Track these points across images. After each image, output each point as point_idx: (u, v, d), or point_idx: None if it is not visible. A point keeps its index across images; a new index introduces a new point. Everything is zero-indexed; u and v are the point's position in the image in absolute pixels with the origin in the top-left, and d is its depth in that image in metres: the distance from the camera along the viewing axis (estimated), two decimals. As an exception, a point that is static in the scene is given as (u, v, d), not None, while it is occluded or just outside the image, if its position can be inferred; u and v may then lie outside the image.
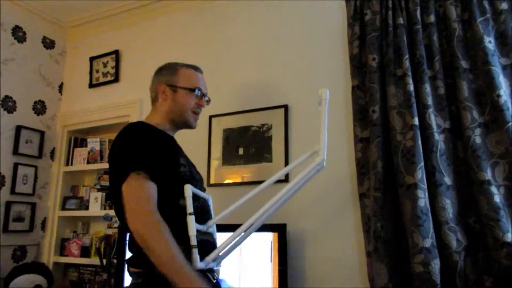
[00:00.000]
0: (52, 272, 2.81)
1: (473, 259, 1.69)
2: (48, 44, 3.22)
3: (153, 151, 1.29)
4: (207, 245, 1.32)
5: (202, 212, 1.37)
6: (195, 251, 1.19)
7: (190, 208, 1.21)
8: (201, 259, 1.21)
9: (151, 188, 1.22)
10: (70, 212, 3.02)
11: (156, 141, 1.34)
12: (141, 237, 1.14)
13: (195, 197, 1.31)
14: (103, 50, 3.13)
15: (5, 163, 2.82)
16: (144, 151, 1.28)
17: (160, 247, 1.12)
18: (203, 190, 1.46)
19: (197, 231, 1.24)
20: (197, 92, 1.50)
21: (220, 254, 1.30)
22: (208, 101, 1.60)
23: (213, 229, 1.41)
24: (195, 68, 1.56)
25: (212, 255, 1.25)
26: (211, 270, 1.32)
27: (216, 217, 1.37)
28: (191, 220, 1.21)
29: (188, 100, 1.48)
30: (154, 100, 1.52)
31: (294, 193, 1.39)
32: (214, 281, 1.32)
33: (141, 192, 1.20)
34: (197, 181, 1.41)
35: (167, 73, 1.52)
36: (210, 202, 1.47)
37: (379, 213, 1.81)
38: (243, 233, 1.32)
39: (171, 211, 1.25)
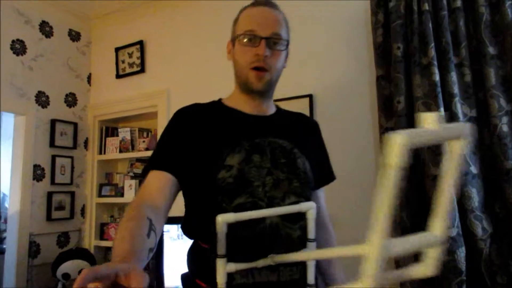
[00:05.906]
0: (94, 255, 3.00)
1: (498, 245, 1.73)
2: (74, 36, 3.30)
3: (175, 152, 1.05)
4: None
5: (254, 245, 0.95)
6: None
7: (220, 248, 0.83)
8: None
9: (158, 181, 0.99)
10: (106, 199, 3.19)
11: (185, 139, 1.05)
12: None
13: (252, 221, 0.93)
14: (127, 40, 3.16)
15: (43, 156, 2.98)
16: (166, 150, 1.07)
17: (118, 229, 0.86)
18: (288, 196, 1.02)
19: (239, 271, 0.90)
20: (243, 38, 1.06)
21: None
22: (270, 42, 1.08)
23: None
24: (254, 3, 1.12)
25: None
26: None
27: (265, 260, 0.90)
28: (219, 264, 0.84)
29: (241, 53, 1.08)
30: None
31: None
32: None
33: (144, 183, 1.02)
34: (250, 190, 0.98)
35: (233, 25, 1.15)
36: (311, 215, 0.89)
37: (405, 202, 1.86)
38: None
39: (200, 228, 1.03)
